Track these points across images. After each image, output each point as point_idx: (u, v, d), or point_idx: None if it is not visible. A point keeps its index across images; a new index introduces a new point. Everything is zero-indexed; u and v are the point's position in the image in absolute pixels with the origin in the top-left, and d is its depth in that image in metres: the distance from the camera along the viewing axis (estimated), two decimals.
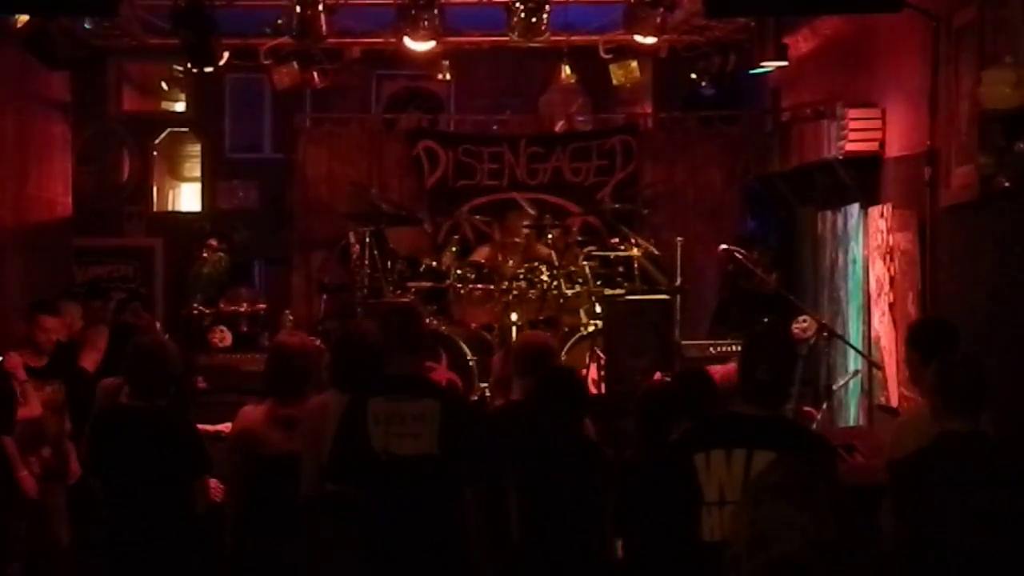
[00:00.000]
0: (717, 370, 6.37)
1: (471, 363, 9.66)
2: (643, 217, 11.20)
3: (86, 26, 10.09)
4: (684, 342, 9.46)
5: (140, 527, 5.75)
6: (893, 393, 7.98)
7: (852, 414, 9.14)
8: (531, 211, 10.61)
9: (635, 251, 10.24)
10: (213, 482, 6.11)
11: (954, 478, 4.61)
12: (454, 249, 10.51)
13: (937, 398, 4.82)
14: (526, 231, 10.47)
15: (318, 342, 8.61)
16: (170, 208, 13.28)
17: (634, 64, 11.18)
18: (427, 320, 8.67)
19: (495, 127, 12.31)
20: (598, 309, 9.85)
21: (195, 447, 5.90)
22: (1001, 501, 4.58)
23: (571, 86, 12.21)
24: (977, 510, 4.56)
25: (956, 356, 5.10)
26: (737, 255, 9.61)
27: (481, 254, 10.59)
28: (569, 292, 10.03)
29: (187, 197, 13.31)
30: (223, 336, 10.14)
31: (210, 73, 10.57)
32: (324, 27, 9.78)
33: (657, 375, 8.11)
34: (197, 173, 13.15)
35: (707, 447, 4.49)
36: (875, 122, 8.63)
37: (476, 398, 9.10)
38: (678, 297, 9.86)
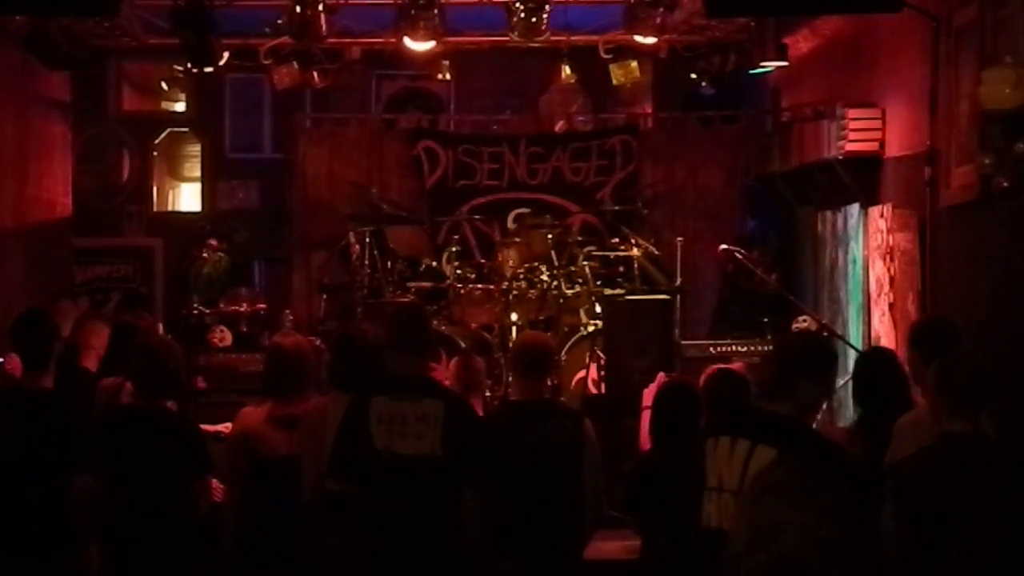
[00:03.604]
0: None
1: None
2: (643, 217, 11.20)
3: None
4: (684, 342, 9.46)
5: (142, 528, 5.74)
6: None
7: (852, 414, 9.14)
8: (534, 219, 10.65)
9: (635, 251, 10.24)
10: (213, 482, 6.10)
11: (955, 479, 4.60)
12: (454, 249, 10.51)
13: (937, 399, 4.82)
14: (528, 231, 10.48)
15: (318, 342, 8.63)
16: (170, 208, 13.29)
17: (634, 64, 11.18)
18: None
19: (495, 127, 12.32)
20: (598, 309, 9.84)
21: (198, 448, 5.89)
22: (1002, 502, 4.58)
23: (571, 86, 12.21)
24: (978, 511, 4.55)
25: (956, 356, 5.09)
26: (737, 255, 9.62)
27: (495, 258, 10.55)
28: (569, 292, 10.01)
29: (187, 197, 13.32)
30: (223, 336, 10.13)
31: (210, 73, 10.56)
32: (324, 27, 9.78)
33: (661, 375, 8.11)
34: (197, 173, 13.16)
35: (718, 433, 4.56)
36: (875, 122, 8.64)
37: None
38: (678, 297, 9.85)
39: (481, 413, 6.50)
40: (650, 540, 5.82)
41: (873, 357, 6.39)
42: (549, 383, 6.54)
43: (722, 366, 6.47)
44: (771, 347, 5.05)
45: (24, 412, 5.64)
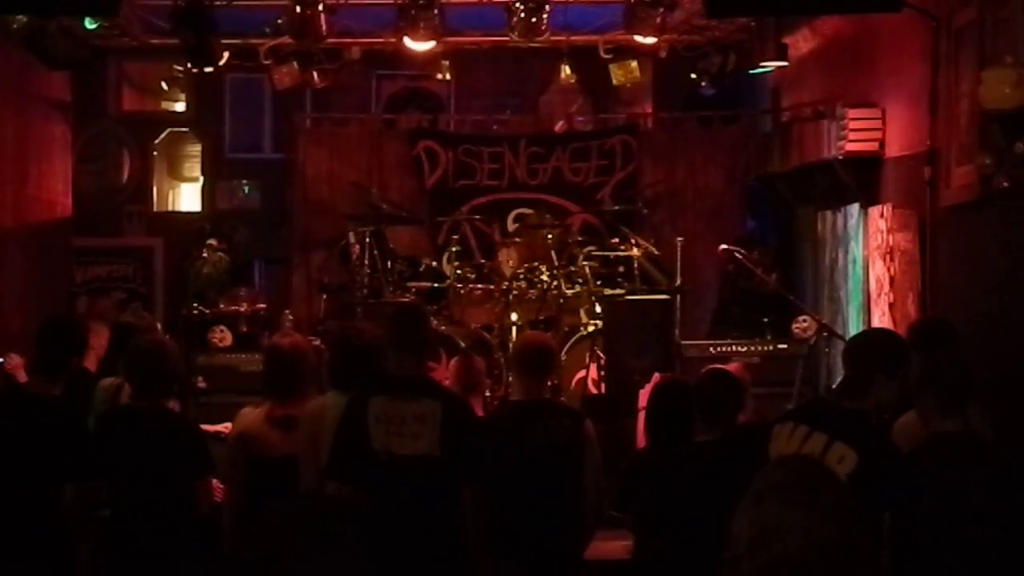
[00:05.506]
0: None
1: None
2: (643, 217, 11.21)
3: (88, 26, 10.06)
4: (684, 342, 9.47)
5: (143, 528, 5.74)
6: None
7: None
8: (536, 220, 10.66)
9: (635, 251, 10.24)
10: (214, 482, 6.10)
11: (947, 478, 4.61)
12: (454, 249, 10.51)
13: (922, 400, 4.83)
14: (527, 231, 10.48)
15: (317, 342, 8.62)
16: (170, 208, 13.27)
17: (634, 64, 11.18)
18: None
19: (495, 127, 12.32)
20: (598, 309, 9.84)
21: (199, 448, 5.88)
22: (995, 500, 4.59)
23: (571, 86, 12.21)
24: (971, 511, 4.56)
25: (938, 356, 5.09)
26: (737, 255, 9.62)
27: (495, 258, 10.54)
28: (569, 292, 10.02)
29: (187, 197, 13.31)
30: (223, 336, 10.12)
31: (210, 73, 10.57)
32: (324, 27, 9.78)
33: (656, 375, 8.11)
34: (197, 173, 13.15)
35: (786, 418, 4.62)
36: (875, 122, 8.65)
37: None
38: (678, 297, 9.85)
39: (481, 413, 6.50)
40: (644, 539, 5.81)
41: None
42: (549, 383, 6.53)
43: (717, 366, 6.45)
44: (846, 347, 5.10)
45: (27, 416, 5.60)
